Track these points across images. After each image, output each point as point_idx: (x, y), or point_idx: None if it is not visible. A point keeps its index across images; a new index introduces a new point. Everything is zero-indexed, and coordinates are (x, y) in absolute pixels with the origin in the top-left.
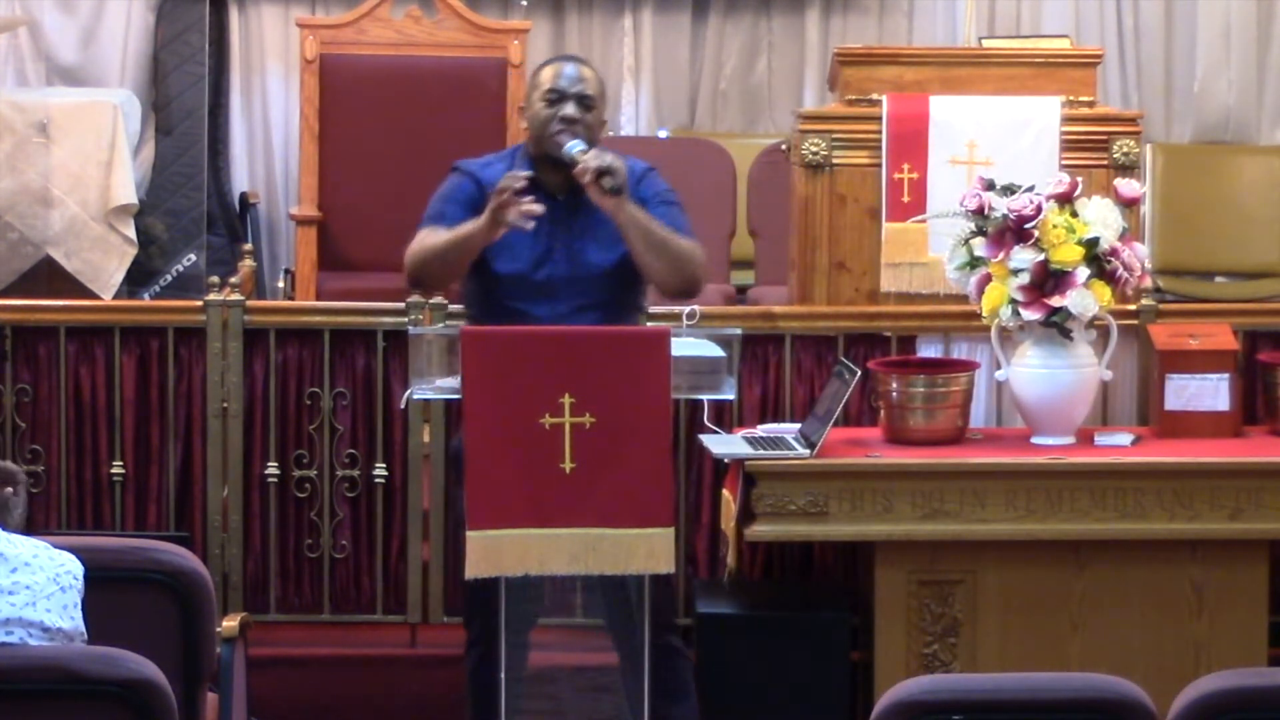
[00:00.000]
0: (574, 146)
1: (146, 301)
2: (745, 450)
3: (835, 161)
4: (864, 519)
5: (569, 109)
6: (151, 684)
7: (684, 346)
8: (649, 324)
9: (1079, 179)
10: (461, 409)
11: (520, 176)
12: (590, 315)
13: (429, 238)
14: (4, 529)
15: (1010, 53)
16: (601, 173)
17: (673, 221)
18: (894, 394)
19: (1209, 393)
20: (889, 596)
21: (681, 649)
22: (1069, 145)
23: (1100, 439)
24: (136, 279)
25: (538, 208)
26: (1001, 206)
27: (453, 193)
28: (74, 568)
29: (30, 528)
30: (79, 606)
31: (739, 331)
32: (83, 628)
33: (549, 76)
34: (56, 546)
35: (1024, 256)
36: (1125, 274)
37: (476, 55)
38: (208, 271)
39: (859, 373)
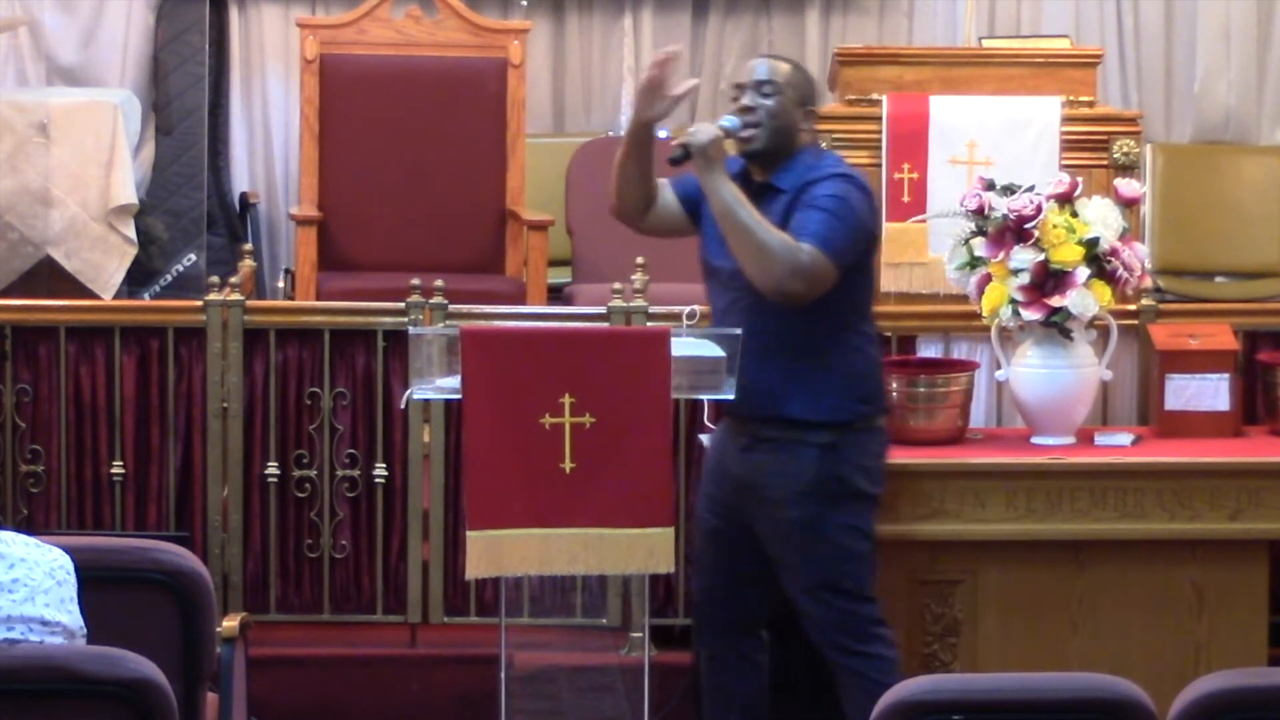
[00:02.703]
0: (724, 119)
1: (146, 301)
2: None
3: None
4: None
5: (744, 99)
6: (151, 684)
7: (684, 346)
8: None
9: (1079, 179)
10: (461, 409)
11: (667, 51)
12: (735, 318)
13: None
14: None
15: (1010, 53)
16: (683, 143)
17: (800, 223)
18: (894, 394)
19: (1209, 393)
20: (889, 596)
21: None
22: (1069, 145)
23: (1100, 439)
24: (136, 279)
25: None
26: (1001, 206)
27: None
28: (65, 562)
29: (30, 528)
30: (75, 601)
31: (739, 332)
32: (82, 623)
33: (737, 74)
34: (56, 547)
35: (1024, 256)
36: (1125, 274)
37: (476, 55)
38: (208, 271)
39: None
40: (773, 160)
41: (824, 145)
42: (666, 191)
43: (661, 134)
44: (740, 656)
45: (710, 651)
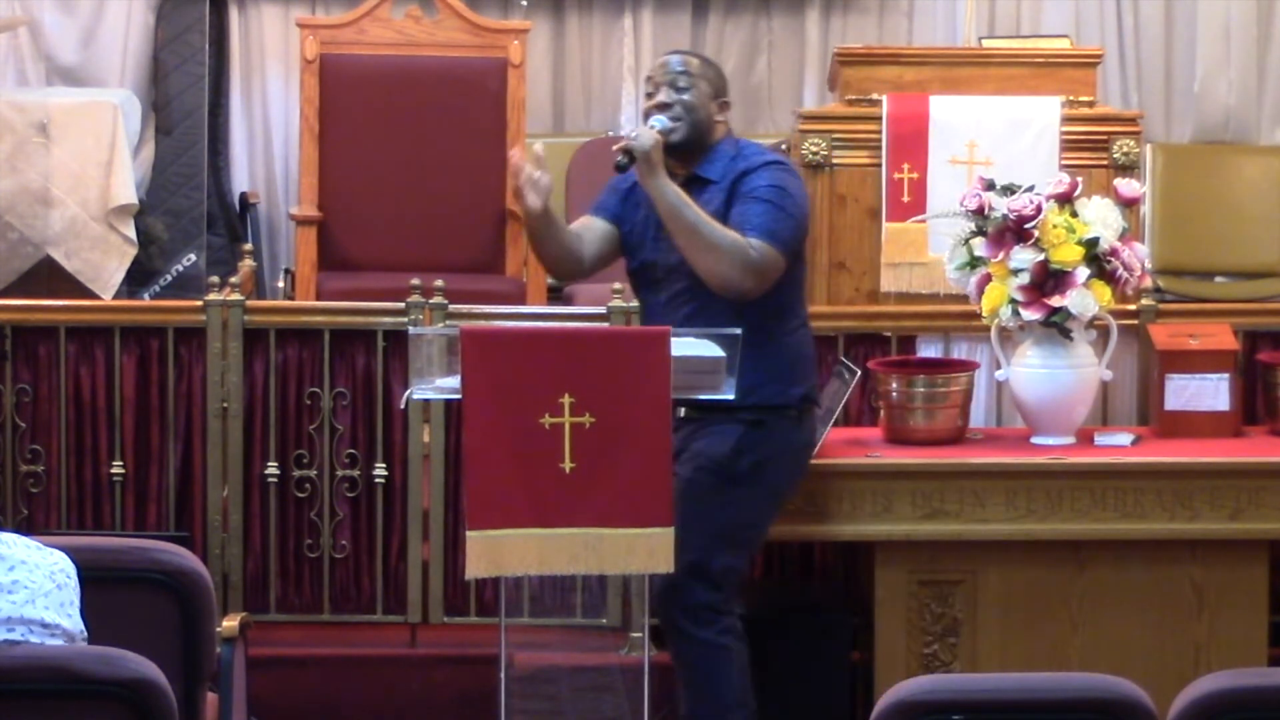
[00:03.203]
0: (652, 120)
1: (146, 301)
2: None
3: (835, 161)
4: (864, 519)
5: (660, 95)
6: (151, 684)
7: (684, 346)
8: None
9: (1079, 179)
10: (461, 409)
11: (516, 150)
12: (683, 307)
13: None
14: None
15: (1010, 53)
16: (621, 151)
17: (744, 216)
18: (894, 394)
19: (1209, 393)
20: (889, 596)
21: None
22: (1069, 145)
23: (1100, 439)
24: (136, 279)
25: (542, 177)
26: (1001, 206)
27: (610, 182)
28: (66, 565)
29: (30, 528)
30: (75, 605)
31: (739, 331)
32: (82, 626)
33: (651, 70)
34: (55, 547)
35: (1024, 256)
36: (1125, 274)
37: (476, 55)
38: (208, 271)
39: (859, 373)
40: (693, 153)
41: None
42: (594, 225)
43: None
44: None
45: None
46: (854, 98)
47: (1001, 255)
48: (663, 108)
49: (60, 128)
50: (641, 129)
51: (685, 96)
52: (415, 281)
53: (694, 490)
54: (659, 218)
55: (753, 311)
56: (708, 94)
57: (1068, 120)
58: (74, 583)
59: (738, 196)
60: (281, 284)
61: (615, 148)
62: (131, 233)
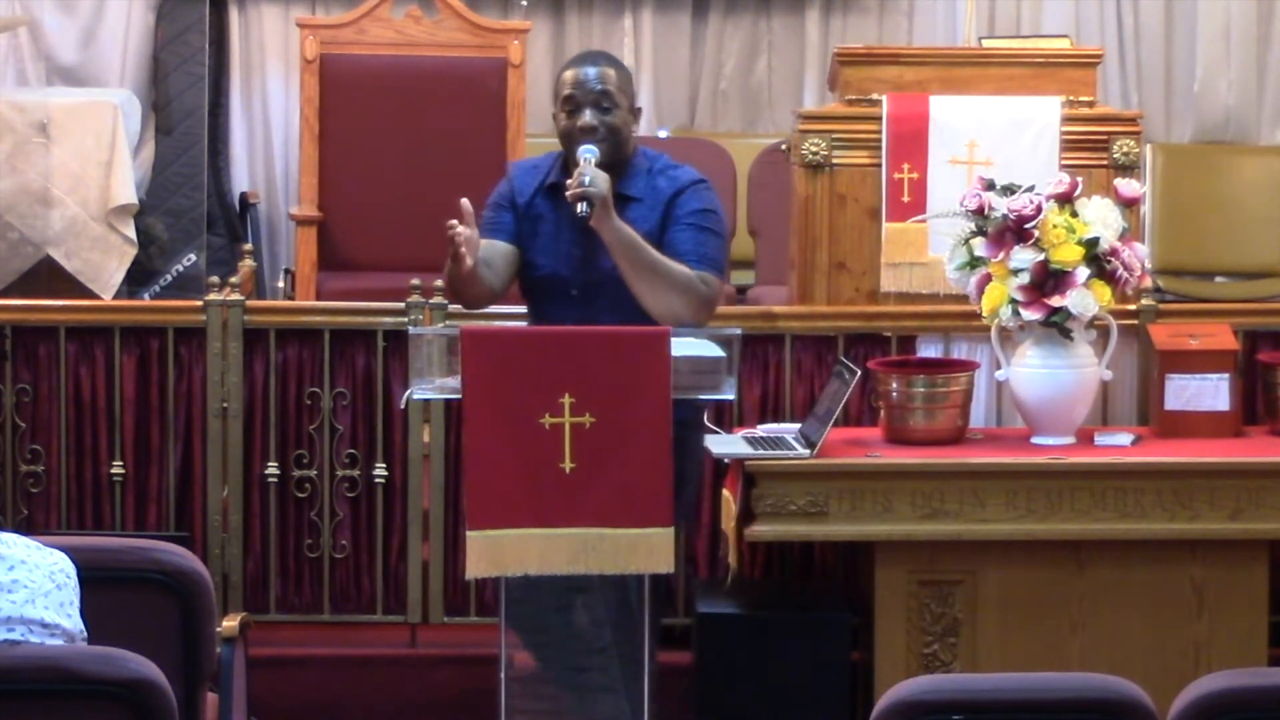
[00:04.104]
0: (585, 152)
1: (146, 301)
2: (745, 450)
3: (835, 161)
4: (864, 519)
5: (586, 117)
6: (151, 684)
7: (684, 346)
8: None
9: (1079, 179)
10: (461, 409)
11: (455, 221)
12: (604, 320)
13: None
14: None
15: (1010, 53)
16: (580, 198)
17: (686, 245)
18: (894, 394)
19: (1209, 393)
20: (889, 596)
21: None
22: (1069, 145)
23: (1100, 439)
24: (136, 279)
25: (473, 235)
26: (1001, 206)
27: (493, 198)
28: (66, 566)
29: (30, 528)
30: (75, 605)
31: (739, 331)
32: (82, 627)
33: (566, 82)
34: (56, 547)
35: (1024, 256)
36: (1125, 274)
37: (476, 55)
38: (208, 271)
39: (859, 373)
40: (612, 170)
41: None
42: (498, 249)
43: (662, 134)
44: None
45: None
46: (854, 98)
47: (1001, 255)
48: (588, 131)
49: (60, 128)
50: (593, 172)
51: (609, 118)
52: (415, 281)
53: None
54: (576, 238)
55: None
56: (627, 108)
57: (1068, 120)
58: (74, 583)
59: (673, 220)
60: (281, 284)
61: (571, 194)
62: (131, 233)
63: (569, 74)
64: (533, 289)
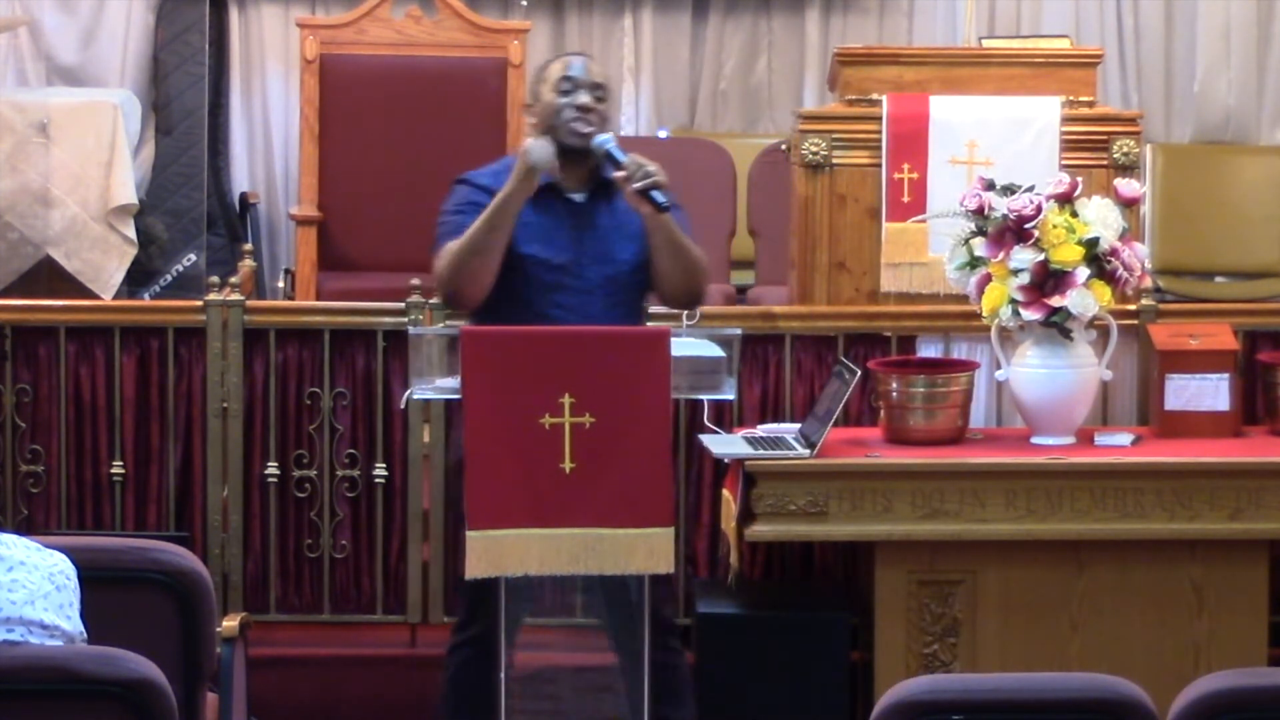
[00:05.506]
0: (606, 141)
1: (146, 301)
2: (745, 450)
3: (835, 161)
4: (864, 519)
5: (583, 97)
6: (151, 684)
7: (684, 346)
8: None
9: (1079, 179)
10: (461, 409)
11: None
12: (618, 312)
13: (454, 244)
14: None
15: (1010, 53)
16: (652, 187)
17: (684, 226)
18: (894, 394)
19: (1209, 393)
20: (889, 596)
21: (681, 651)
22: (1069, 145)
23: (1100, 439)
24: (136, 279)
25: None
26: (1001, 206)
27: (468, 198)
28: (66, 567)
29: (30, 528)
30: (75, 606)
31: (739, 331)
32: (82, 628)
33: (559, 68)
34: (55, 547)
35: (1024, 256)
36: (1125, 274)
37: (476, 55)
38: (208, 271)
39: (859, 373)
40: (582, 158)
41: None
42: None
43: (662, 134)
44: None
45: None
46: (854, 98)
47: (1001, 255)
48: (585, 110)
49: (60, 128)
50: (635, 158)
51: (602, 106)
52: (415, 281)
53: None
54: (584, 237)
55: (645, 316)
56: (611, 105)
57: (1068, 120)
58: (74, 584)
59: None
60: (281, 284)
61: (639, 186)
62: (131, 233)
63: (563, 62)
64: (538, 284)
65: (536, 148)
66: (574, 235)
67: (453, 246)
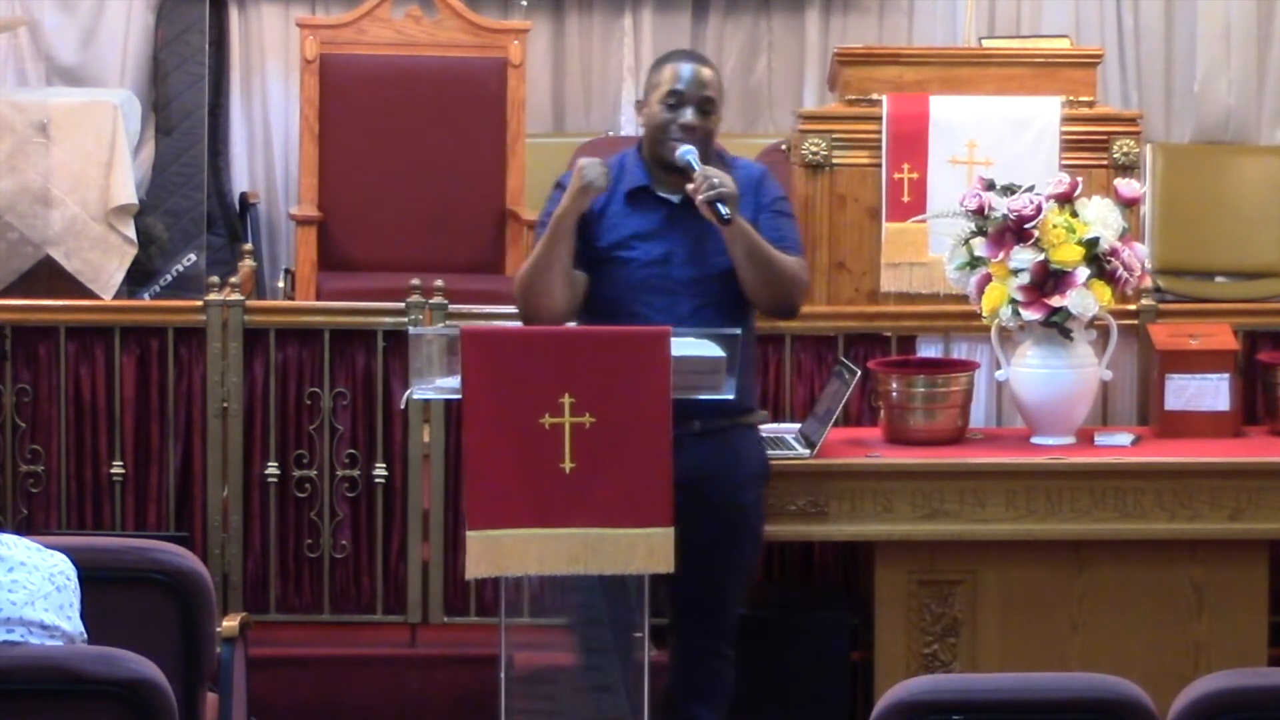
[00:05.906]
0: (687, 153)
1: (146, 301)
2: None
3: (835, 161)
4: (864, 519)
5: (688, 115)
6: (151, 684)
7: (684, 346)
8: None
9: (1079, 179)
10: (461, 409)
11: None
12: (708, 314)
13: (524, 264)
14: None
15: (1010, 53)
16: (717, 199)
17: (781, 234)
18: (894, 394)
19: (1209, 393)
20: (889, 596)
21: (728, 658)
22: (1069, 145)
23: (1100, 439)
24: (136, 279)
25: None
26: (1001, 206)
27: (551, 207)
28: (66, 568)
29: (30, 528)
30: (75, 607)
31: (739, 331)
32: (82, 629)
33: (669, 77)
34: (55, 547)
35: (1024, 256)
36: (1125, 274)
37: (476, 55)
38: (208, 271)
39: (859, 373)
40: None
41: None
42: (578, 275)
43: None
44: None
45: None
46: (854, 98)
47: (1001, 255)
48: (688, 130)
49: (60, 128)
50: (720, 175)
51: (707, 122)
52: (415, 281)
53: (760, 511)
54: (676, 237)
55: (747, 321)
56: (719, 115)
57: (1068, 120)
58: (74, 585)
59: (760, 208)
60: (281, 284)
61: (705, 198)
62: (131, 233)
63: (674, 68)
64: (613, 282)
65: (590, 167)
66: (664, 236)
67: (523, 266)
